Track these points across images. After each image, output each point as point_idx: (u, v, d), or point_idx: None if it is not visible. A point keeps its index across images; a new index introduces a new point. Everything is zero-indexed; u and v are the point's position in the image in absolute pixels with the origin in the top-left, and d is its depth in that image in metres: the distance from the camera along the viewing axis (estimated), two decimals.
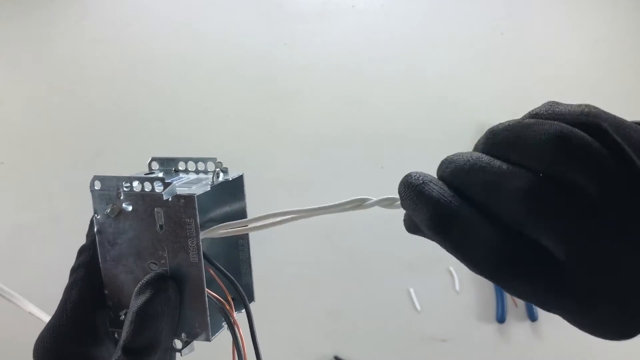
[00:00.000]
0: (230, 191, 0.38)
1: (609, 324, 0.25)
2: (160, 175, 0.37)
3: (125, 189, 0.33)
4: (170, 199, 0.32)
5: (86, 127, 1.20)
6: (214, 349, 0.38)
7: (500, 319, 0.98)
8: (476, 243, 0.25)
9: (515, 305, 1.00)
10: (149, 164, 0.39)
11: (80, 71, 1.41)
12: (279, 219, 0.33)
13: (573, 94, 1.32)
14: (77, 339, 0.33)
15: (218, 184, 0.36)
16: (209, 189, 0.35)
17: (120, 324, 0.35)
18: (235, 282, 0.35)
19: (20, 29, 1.48)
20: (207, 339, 0.34)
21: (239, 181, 0.38)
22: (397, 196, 0.29)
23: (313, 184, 1.16)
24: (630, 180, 0.23)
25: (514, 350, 0.98)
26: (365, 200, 0.32)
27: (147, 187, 0.33)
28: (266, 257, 1.07)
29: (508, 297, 1.01)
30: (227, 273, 0.35)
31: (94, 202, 0.34)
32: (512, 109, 1.32)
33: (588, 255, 0.23)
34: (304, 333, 0.99)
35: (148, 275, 0.33)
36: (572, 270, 0.23)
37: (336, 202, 0.32)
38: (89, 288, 0.34)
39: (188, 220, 0.32)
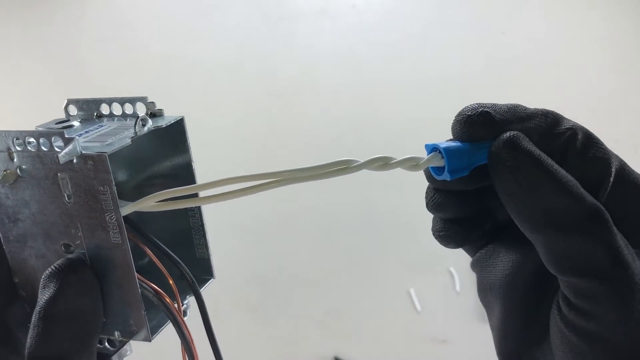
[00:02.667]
0: (169, 142, 0.29)
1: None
2: (76, 123, 0.29)
3: (17, 147, 0.25)
4: (75, 161, 0.24)
5: None
6: (160, 344, 0.30)
7: None
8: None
9: None
10: (65, 108, 0.30)
11: (80, 71, 1.41)
12: (237, 186, 0.24)
13: (573, 94, 1.32)
14: None
15: (146, 134, 0.27)
16: (129, 142, 0.26)
17: None
18: (178, 260, 0.27)
19: (20, 29, 1.48)
20: (147, 339, 0.26)
21: (177, 127, 0.29)
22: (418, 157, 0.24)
23: (313, 183, 1.16)
24: None
25: None
26: (351, 162, 0.25)
27: (44, 145, 0.24)
28: (266, 257, 1.07)
29: None
30: (164, 247, 0.27)
31: None
32: None
33: None
34: (304, 333, 0.99)
35: (54, 264, 0.25)
36: None
37: (318, 164, 0.26)
38: None
39: (101, 188, 0.24)
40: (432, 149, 0.25)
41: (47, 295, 0.24)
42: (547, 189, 0.21)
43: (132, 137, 0.26)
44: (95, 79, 1.37)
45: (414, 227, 1.00)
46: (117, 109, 0.30)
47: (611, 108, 1.28)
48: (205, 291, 0.29)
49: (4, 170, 0.25)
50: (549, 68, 1.36)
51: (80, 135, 0.27)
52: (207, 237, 0.31)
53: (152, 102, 0.29)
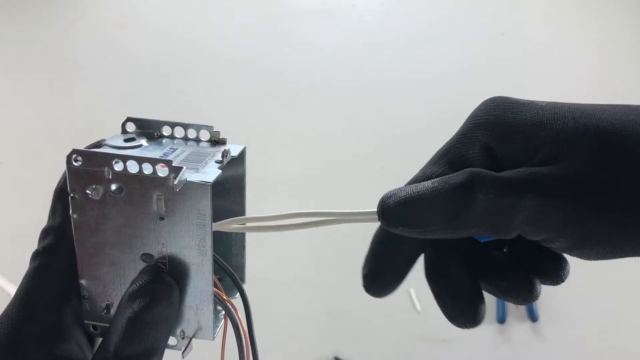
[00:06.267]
0: (233, 168, 0.33)
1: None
2: (144, 142, 0.31)
3: (116, 168, 0.27)
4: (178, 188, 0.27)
5: (86, 127, 1.20)
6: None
7: (501, 319, 0.98)
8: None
9: (515, 305, 1.00)
10: (123, 125, 0.32)
11: (80, 71, 1.41)
12: (308, 219, 0.29)
13: (573, 94, 1.32)
14: (39, 336, 0.28)
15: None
16: (220, 172, 0.28)
17: (99, 317, 0.30)
18: (236, 278, 0.31)
19: (20, 29, 1.48)
20: (211, 337, 0.30)
21: (241, 155, 0.32)
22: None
23: (313, 184, 1.16)
24: None
25: (514, 351, 0.98)
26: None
27: (147, 169, 0.27)
28: (266, 257, 1.06)
29: None
30: (228, 267, 0.31)
31: (71, 180, 0.27)
32: None
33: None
34: (304, 333, 0.99)
35: (144, 276, 0.28)
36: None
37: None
38: (55, 277, 0.29)
39: (199, 211, 0.27)
40: None
41: (141, 305, 0.27)
42: (421, 214, 0.26)
43: (220, 167, 0.29)
44: (95, 79, 1.37)
45: None
46: (178, 132, 0.32)
47: None
48: None
49: (95, 186, 0.27)
50: (549, 68, 1.36)
51: (163, 157, 0.29)
52: (246, 248, 0.35)
53: (217, 132, 0.32)
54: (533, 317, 0.98)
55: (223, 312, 0.31)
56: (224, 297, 0.30)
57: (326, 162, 1.20)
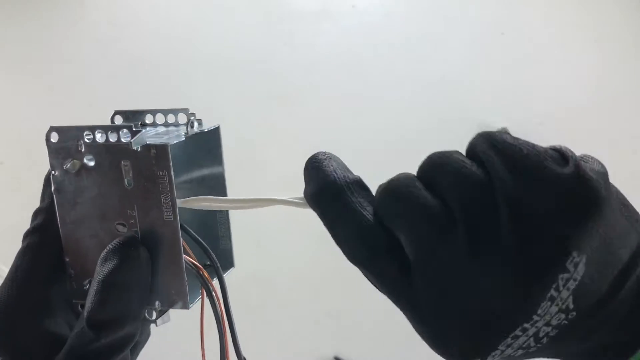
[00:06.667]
0: (206, 146, 0.34)
1: (447, 342, 0.25)
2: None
3: (87, 140, 0.29)
4: (139, 149, 0.28)
5: None
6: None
7: None
8: (349, 224, 0.27)
9: None
10: (112, 119, 0.35)
11: (80, 71, 1.41)
12: (258, 203, 0.30)
13: (573, 94, 1.32)
14: (29, 312, 0.29)
15: (192, 136, 0.32)
16: (183, 138, 0.30)
17: (84, 295, 0.30)
18: (208, 248, 0.31)
19: (20, 29, 1.48)
20: (185, 307, 0.30)
21: (214, 134, 0.34)
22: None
23: None
24: (483, 196, 0.23)
25: None
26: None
27: (113, 137, 0.29)
28: (266, 257, 1.06)
29: None
30: (197, 237, 0.31)
31: (51, 157, 0.29)
32: (512, 109, 1.32)
33: (426, 262, 0.24)
34: (304, 333, 0.99)
35: (115, 240, 0.29)
36: (415, 273, 0.24)
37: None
38: (45, 254, 0.30)
39: (161, 173, 0.28)
40: None
41: (109, 267, 0.28)
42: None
43: (185, 134, 0.31)
44: (95, 78, 1.37)
45: None
46: (159, 119, 0.34)
47: (611, 108, 1.28)
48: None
49: (72, 159, 0.29)
50: (549, 68, 1.36)
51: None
52: (231, 231, 0.36)
53: (193, 113, 0.33)
54: None
55: (201, 286, 0.31)
56: (196, 265, 0.31)
57: None
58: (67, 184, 0.30)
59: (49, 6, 1.53)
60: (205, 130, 0.33)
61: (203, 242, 0.31)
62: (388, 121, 1.30)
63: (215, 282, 0.32)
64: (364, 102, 1.34)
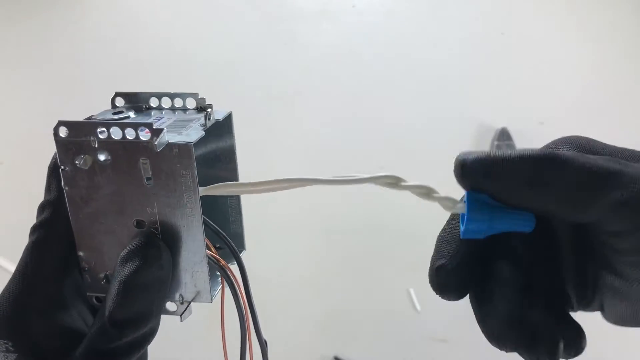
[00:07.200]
0: (218, 132, 0.33)
1: None
2: (132, 114, 0.32)
3: (101, 136, 0.27)
4: (160, 149, 0.27)
5: None
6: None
7: None
8: None
9: None
10: (112, 101, 0.33)
11: (80, 71, 1.41)
12: (291, 183, 0.28)
13: (573, 94, 1.32)
14: (42, 308, 0.28)
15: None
16: (203, 134, 0.29)
17: (99, 288, 0.30)
18: (228, 239, 0.31)
19: (20, 29, 1.48)
20: (208, 300, 0.30)
21: (227, 120, 0.33)
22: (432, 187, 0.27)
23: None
24: None
25: None
26: (399, 180, 0.27)
27: (130, 134, 0.27)
28: (266, 257, 1.07)
29: None
30: (218, 229, 0.31)
31: (59, 152, 0.28)
32: (512, 108, 1.32)
33: None
34: (304, 333, 0.99)
35: (136, 240, 0.28)
36: None
37: (364, 175, 0.27)
38: (54, 248, 0.29)
39: (184, 172, 0.27)
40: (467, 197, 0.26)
41: (131, 268, 0.27)
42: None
43: (203, 129, 0.29)
44: (95, 78, 1.37)
45: (414, 227, 1.00)
46: (165, 102, 0.33)
47: (611, 108, 1.28)
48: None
49: (84, 155, 0.28)
50: (549, 68, 1.36)
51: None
52: (242, 215, 0.35)
53: (203, 98, 0.32)
54: None
55: (220, 275, 0.31)
56: (218, 259, 0.30)
57: (326, 162, 1.20)
58: (78, 179, 0.28)
59: (49, 6, 1.53)
60: (221, 119, 0.32)
61: (222, 232, 0.31)
62: (388, 121, 1.30)
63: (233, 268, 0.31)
64: (363, 101, 1.34)
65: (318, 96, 1.35)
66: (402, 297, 1.01)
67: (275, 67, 1.40)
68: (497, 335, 0.26)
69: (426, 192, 0.27)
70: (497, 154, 0.24)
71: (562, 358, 0.26)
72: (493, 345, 0.26)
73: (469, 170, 0.24)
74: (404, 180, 0.27)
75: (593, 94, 1.31)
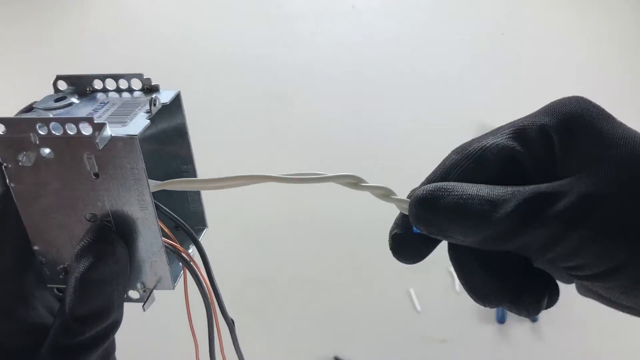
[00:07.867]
0: (167, 110, 0.32)
1: None
2: (75, 99, 0.31)
3: (41, 132, 0.26)
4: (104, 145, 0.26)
5: None
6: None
7: (501, 319, 0.98)
8: None
9: None
10: (54, 84, 0.32)
11: (80, 71, 1.41)
12: (247, 180, 0.28)
13: (573, 94, 1.32)
14: (1, 308, 0.28)
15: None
16: (148, 122, 0.28)
17: (60, 280, 0.30)
18: (185, 224, 0.31)
19: (20, 29, 1.48)
20: (171, 287, 0.30)
21: (176, 100, 0.31)
22: (390, 189, 0.29)
23: (314, 184, 1.16)
24: None
25: (514, 351, 0.98)
26: (359, 180, 0.28)
27: (71, 129, 0.26)
28: (266, 257, 1.07)
29: None
30: (174, 215, 0.30)
31: (0, 150, 0.27)
32: (512, 109, 1.32)
33: None
34: (304, 333, 0.99)
35: (88, 236, 0.28)
36: None
37: (324, 175, 0.28)
38: (8, 244, 0.29)
39: (130, 165, 0.26)
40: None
41: (85, 264, 0.27)
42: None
43: (148, 117, 0.28)
44: None
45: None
46: (110, 84, 0.32)
47: (611, 108, 1.28)
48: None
49: (24, 152, 0.27)
50: (549, 68, 1.36)
51: (91, 114, 0.29)
52: (201, 193, 0.34)
53: (149, 79, 0.31)
54: (533, 317, 0.99)
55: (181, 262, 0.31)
56: (176, 246, 0.30)
57: (326, 162, 1.20)
58: (24, 176, 0.27)
59: (49, 6, 1.53)
60: (168, 102, 0.30)
61: (179, 219, 0.30)
62: (387, 121, 1.30)
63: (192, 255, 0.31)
64: (363, 101, 1.34)
65: (318, 96, 1.35)
66: (402, 297, 1.01)
67: (275, 66, 1.40)
68: (480, 292, 0.27)
69: (385, 194, 0.28)
70: (459, 203, 0.26)
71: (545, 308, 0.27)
72: (477, 302, 0.27)
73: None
74: (364, 181, 0.28)
75: (594, 94, 1.31)
